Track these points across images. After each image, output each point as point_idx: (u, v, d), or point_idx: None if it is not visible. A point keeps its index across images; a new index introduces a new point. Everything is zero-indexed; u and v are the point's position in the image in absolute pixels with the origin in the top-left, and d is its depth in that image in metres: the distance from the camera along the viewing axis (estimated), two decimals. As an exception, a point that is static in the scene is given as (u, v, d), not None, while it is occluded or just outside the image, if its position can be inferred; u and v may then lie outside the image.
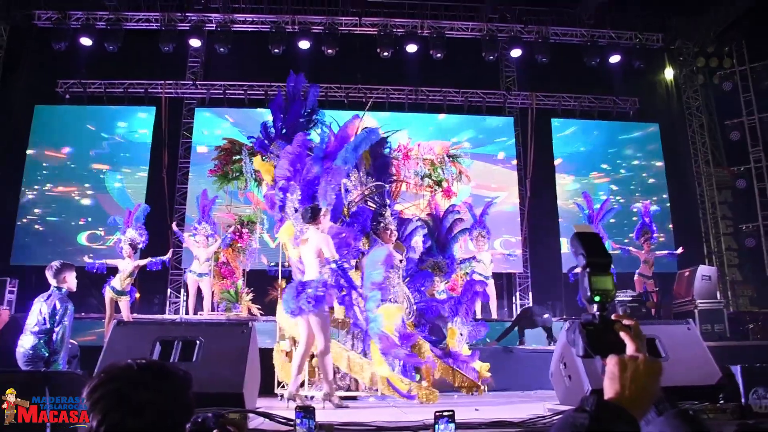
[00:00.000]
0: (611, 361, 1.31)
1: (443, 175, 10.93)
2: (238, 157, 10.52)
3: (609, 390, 1.28)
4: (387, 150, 8.67)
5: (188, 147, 14.26)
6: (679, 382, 4.58)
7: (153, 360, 1.33)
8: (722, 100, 14.95)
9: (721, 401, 4.62)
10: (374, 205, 7.69)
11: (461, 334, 7.77)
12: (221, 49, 13.80)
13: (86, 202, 13.70)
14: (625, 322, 1.41)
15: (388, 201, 7.65)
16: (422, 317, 7.56)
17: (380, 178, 8.00)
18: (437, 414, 3.87)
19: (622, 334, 1.37)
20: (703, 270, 11.11)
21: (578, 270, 1.52)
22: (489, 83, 15.42)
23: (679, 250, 11.33)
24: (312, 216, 6.16)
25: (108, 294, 9.32)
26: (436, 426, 3.83)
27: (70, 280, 6.01)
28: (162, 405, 1.23)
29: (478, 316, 10.02)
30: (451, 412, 3.89)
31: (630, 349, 1.34)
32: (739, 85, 14.49)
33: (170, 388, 1.26)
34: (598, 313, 1.44)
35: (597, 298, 1.44)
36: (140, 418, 1.19)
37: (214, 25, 14.01)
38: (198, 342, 4.73)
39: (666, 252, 10.97)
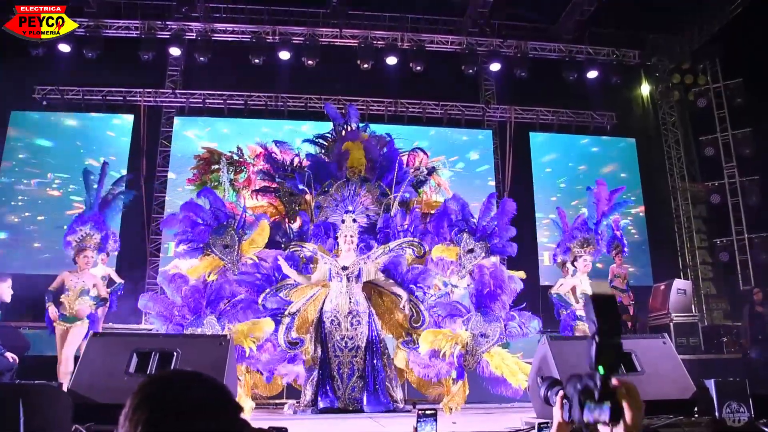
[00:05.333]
0: None
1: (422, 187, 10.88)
2: (216, 166, 10.48)
3: None
4: (385, 150, 8.92)
5: (167, 156, 14.15)
6: (655, 396, 4.63)
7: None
8: (697, 117, 15.15)
9: (696, 415, 4.68)
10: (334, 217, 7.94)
11: (482, 335, 6.59)
12: (201, 58, 13.72)
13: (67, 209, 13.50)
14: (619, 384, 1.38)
15: (351, 207, 7.69)
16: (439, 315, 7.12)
17: (389, 177, 8.44)
18: (420, 412, 3.88)
19: (623, 403, 1.34)
20: (679, 284, 11.24)
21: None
22: (468, 96, 15.49)
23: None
24: None
25: None
26: (419, 425, 3.83)
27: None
28: (206, 406, 1.20)
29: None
30: (434, 411, 3.89)
31: (628, 418, 1.32)
32: (713, 102, 14.69)
33: (213, 389, 1.24)
34: (600, 383, 1.39)
35: (601, 370, 1.40)
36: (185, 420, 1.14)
37: (195, 35, 13.94)
38: (175, 354, 4.70)
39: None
